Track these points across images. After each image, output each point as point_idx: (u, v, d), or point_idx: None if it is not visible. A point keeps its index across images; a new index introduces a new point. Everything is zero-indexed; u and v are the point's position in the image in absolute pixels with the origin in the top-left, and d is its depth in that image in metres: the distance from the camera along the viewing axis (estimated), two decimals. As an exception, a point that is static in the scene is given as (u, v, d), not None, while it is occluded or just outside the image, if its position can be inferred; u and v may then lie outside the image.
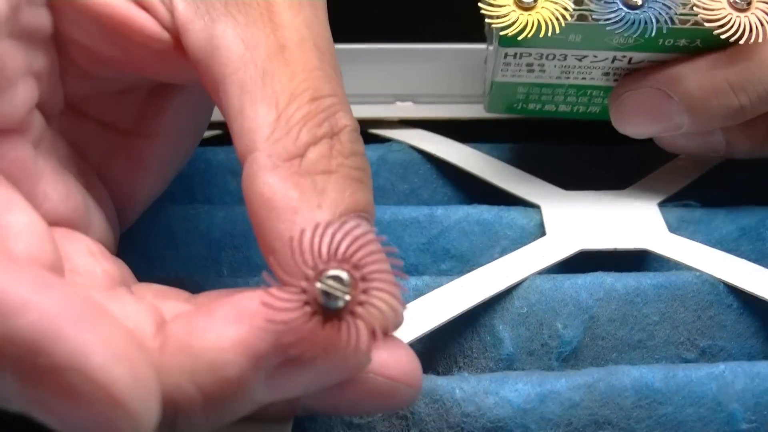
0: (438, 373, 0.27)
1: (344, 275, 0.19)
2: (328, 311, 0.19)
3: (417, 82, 0.38)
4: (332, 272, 0.19)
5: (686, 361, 0.27)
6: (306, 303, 0.19)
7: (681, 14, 0.28)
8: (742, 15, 0.28)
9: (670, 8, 0.28)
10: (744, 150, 0.31)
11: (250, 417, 0.20)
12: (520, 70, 0.30)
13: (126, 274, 0.24)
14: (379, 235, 0.19)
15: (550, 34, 0.27)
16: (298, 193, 0.20)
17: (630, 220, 0.31)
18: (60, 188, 0.23)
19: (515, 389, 0.24)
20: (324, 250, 0.19)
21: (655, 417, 0.24)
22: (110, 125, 0.26)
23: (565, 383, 0.24)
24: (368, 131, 0.36)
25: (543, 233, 0.30)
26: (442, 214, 0.31)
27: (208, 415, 0.19)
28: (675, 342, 0.27)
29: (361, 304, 0.19)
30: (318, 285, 0.19)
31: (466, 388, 0.24)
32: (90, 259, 0.23)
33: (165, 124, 0.26)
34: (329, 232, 0.19)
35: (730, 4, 0.28)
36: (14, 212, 0.21)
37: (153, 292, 0.23)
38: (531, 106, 0.32)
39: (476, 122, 0.36)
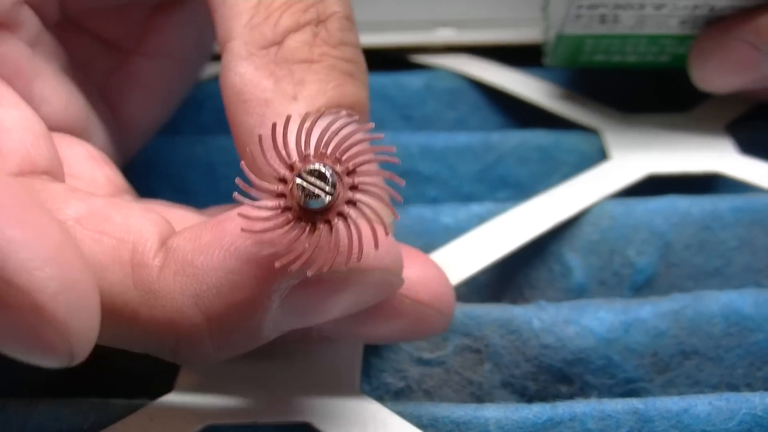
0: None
1: (325, 170, 0.16)
2: (311, 213, 0.16)
3: (459, 6, 0.35)
4: (311, 167, 0.16)
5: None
6: (286, 208, 0.16)
7: None
8: None
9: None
10: None
11: None
12: (591, 22, 0.28)
13: (129, 186, 0.22)
14: (373, 133, 0.16)
15: None
16: (272, 82, 0.18)
17: (697, 143, 0.29)
18: (61, 93, 0.22)
19: (597, 318, 0.22)
20: (301, 143, 0.16)
21: (745, 345, 0.22)
22: (112, 43, 0.25)
23: (650, 310, 0.22)
24: (410, 59, 0.34)
25: (604, 158, 0.28)
26: (498, 140, 0.29)
27: (215, 343, 0.17)
28: (754, 269, 0.26)
29: (349, 202, 0.16)
30: (297, 181, 0.16)
31: (544, 317, 0.22)
32: (91, 164, 0.21)
33: (167, 43, 0.25)
34: (307, 123, 0.16)
35: None
36: (5, 106, 0.19)
37: (160, 206, 0.21)
38: (597, 57, 0.30)
39: (523, 48, 0.34)
